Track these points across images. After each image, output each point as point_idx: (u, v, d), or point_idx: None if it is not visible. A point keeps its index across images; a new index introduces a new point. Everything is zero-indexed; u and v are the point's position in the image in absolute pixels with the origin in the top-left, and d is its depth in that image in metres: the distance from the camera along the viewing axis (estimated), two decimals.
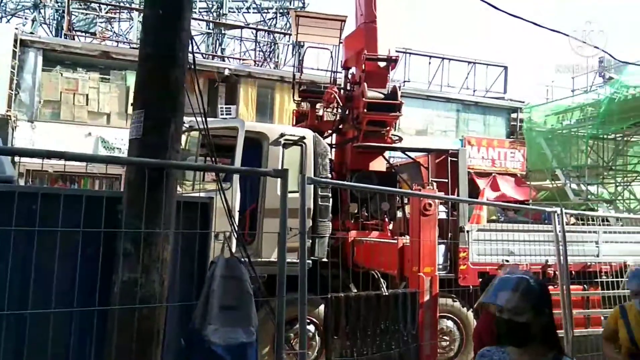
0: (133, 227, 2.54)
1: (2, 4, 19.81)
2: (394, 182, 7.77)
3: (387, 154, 8.14)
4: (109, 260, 2.59)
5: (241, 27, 19.10)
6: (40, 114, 13.66)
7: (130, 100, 13.99)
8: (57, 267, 2.46)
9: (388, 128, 7.60)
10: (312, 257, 6.13)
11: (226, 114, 14.09)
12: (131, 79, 14.12)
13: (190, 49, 2.87)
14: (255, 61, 17.44)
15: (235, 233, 3.17)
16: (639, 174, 14.23)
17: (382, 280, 5.93)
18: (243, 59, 18.03)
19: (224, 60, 17.06)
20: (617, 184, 14.61)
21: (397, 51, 8.17)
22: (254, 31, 18.78)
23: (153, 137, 2.64)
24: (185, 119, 5.26)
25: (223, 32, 18.63)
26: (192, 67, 3.00)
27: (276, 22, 20.50)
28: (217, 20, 19.49)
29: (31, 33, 15.27)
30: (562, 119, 15.91)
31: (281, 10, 20.57)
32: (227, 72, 14.96)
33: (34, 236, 2.41)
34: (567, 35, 5.78)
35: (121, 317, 2.48)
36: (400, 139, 8.04)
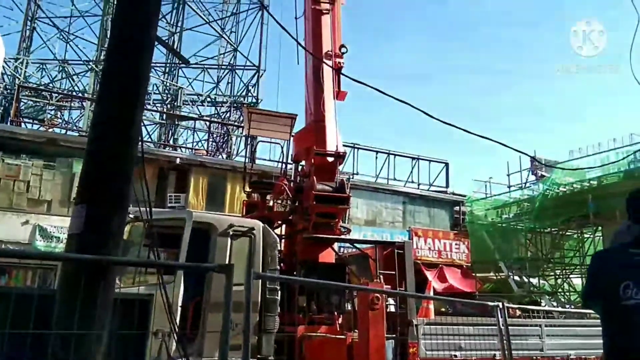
0: (64, 328, 2.39)
1: None
2: (343, 274, 7.74)
3: (336, 245, 8.21)
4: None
5: (194, 119, 19.53)
6: None
7: (75, 188, 13.62)
8: None
9: (337, 220, 7.72)
10: (258, 356, 5.85)
11: (175, 203, 13.92)
12: (78, 166, 13.85)
13: (139, 138, 2.89)
14: (207, 151, 17.67)
15: (175, 332, 3.03)
16: (576, 267, 14.92)
17: None
18: (195, 149, 18.23)
19: (176, 150, 17.18)
20: (557, 277, 15.25)
21: (345, 145, 8.56)
22: (207, 122, 19.23)
23: (94, 233, 2.57)
24: (130, 209, 5.19)
25: (176, 122, 18.96)
26: (141, 156, 3.02)
27: (230, 115, 21.12)
28: (171, 112, 19.89)
29: None
30: (501, 213, 16.81)
31: (235, 105, 21.30)
32: (178, 160, 15.00)
33: None
34: (504, 145, 6.29)
35: None
36: (349, 231, 8.17)
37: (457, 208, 20.06)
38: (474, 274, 16.66)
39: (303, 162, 8.51)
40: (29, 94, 18.36)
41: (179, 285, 5.58)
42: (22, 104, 17.29)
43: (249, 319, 3.02)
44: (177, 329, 2.94)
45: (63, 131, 17.03)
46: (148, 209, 3.28)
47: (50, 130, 16.47)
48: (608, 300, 2.62)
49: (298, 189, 8.03)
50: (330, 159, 7.80)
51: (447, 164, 20.34)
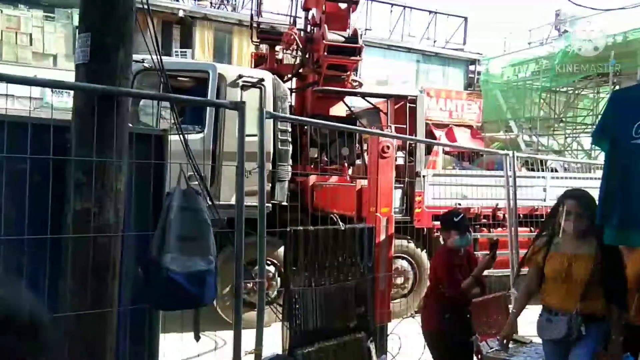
0: (83, 157, 2.44)
1: None
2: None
3: (347, 101, 8.11)
4: (58, 191, 2.49)
5: None
6: None
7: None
8: (4, 196, 2.35)
9: (348, 73, 7.54)
10: (271, 201, 6.15)
11: (182, 58, 13.57)
12: (78, 18, 13.27)
13: None
14: (211, 3, 16.70)
15: (196, 170, 3.08)
16: (588, 126, 14.86)
17: (340, 222, 6.04)
18: (198, 0, 17.20)
19: (177, 1, 16.23)
20: (567, 136, 15.26)
21: None
22: None
23: (101, 62, 2.49)
24: (143, 56, 5.04)
25: None
26: (145, 4, 2.83)
27: None
28: None
29: None
30: (518, 71, 16.26)
31: None
32: (181, 13, 14.29)
33: None
34: None
35: (75, 247, 2.42)
36: (361, 84, 8.01)
37: (472, 67, 19.44)
38: (482, 134, 16.73)
39: (314, 10, 8.03)
40: None
41: (209, 133, 5.78)
42: None
43: (263, 155, 3.08)
44: (197, 167, 2.99)
45: None
46: (158, 57, 3.11)
47: None
48: (618, 138, 2.60)
49: (308, 39, 7.71)
50: (342, 5, 7.34)
51: (465, 19, 19.25)
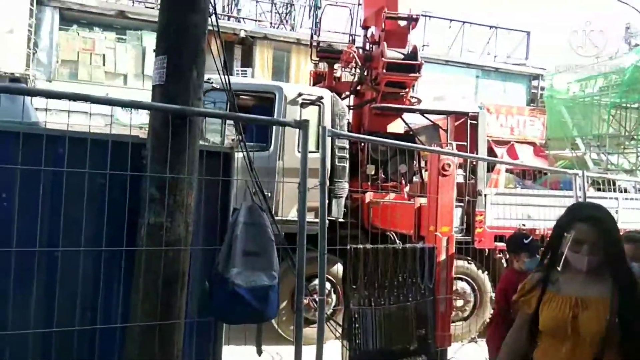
0: (157, 173, 2.57)
1: None
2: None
3: (405, 118, 8.05)
4: (134, 206, 2.62)
5: None
6: (58, 74, 13.72)
7: (147, 61, 13.97)
8: (85, 211, 2.50)
9: (407, 89, 7.49)
10: (329, 217, 6.17)
11: (242, 77, 14.01)
12: (147, 39, 14.03)
13: (211, 10, 2.86)
14: (271, 23, 17.20)
15: (258, 186, 3.15)
16: None
17: (398, 241, 5.96)
18: (259, 20, 17.77)
19: (239, 22, 16.84)
20: (639, 154, 14.37)
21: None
22: None
23: (175, 83, 2.63)
24: (210, 76, 5.30)
25: None
26: (215, 27, 2.98)
27: None
28: None
29: None
30: (584, 86, 15.55)
31: None
32: (242, 33, 14.80)
33: (63, 178, 2.45)
34: None
35: (148, 260, 2.54)
36: (420, 101, 7.93)
37: (535, 82, 18.79)
38: (547, 152, 16.04)
39: (373, 28, 8.08)
40: None
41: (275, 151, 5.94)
42: None
43: (324, 171, 3.10)
44: (261, 185, 3.06)
45: (130, 3, 16.99)
46: (226, 76, 3.25)
47: (118, 2, 16.50)
48: None
49: (367, 57, 7.74)
50: (402, 23, 7.34)
51: (528, 33, 18.72)
